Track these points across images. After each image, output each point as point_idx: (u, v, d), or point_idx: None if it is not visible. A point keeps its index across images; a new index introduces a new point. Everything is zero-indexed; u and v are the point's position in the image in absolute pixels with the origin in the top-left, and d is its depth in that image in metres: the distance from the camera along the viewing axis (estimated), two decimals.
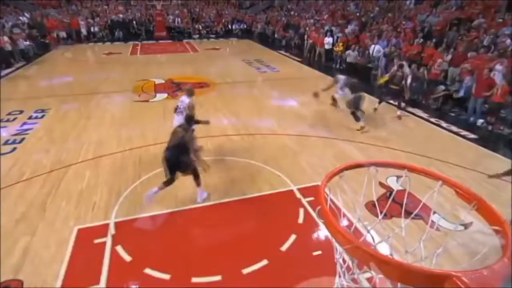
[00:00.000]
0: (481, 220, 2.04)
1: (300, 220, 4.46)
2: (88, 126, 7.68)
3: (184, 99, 5.77)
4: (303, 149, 6.56)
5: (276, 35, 20.37)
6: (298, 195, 5.00)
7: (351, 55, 10.87)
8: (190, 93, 5.82)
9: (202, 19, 24.71)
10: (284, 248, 3.95)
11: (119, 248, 3.89)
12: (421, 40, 10.92)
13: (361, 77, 10.92)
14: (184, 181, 4.86)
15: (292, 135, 7.19)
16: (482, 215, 2.08)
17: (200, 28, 23.92)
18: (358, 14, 17.49)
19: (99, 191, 5.06)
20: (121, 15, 22.96)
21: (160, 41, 21.69)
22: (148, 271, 3.59)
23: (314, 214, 4.50)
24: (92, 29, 21.28)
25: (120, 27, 21.88)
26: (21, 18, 18.73)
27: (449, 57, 9.25)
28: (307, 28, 17.48)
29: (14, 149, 6.49)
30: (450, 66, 9.13)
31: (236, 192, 5.05)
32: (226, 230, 4.29)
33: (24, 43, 15.49)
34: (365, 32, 13.92)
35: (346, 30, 15.15)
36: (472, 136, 7.25)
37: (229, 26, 24.34)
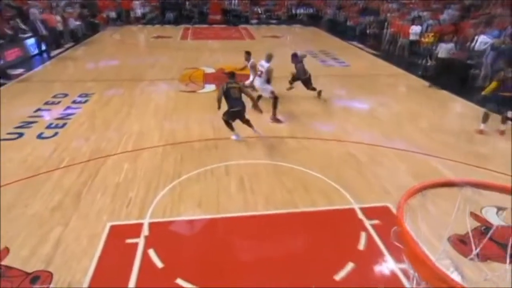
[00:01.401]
0: None
1: (361, 246, 4.25)
2: (131, 115, 8.24)
3: (264, 64, 7.77)
4: (371, 160, 6.29)
5: (348, 23, 19.93)
6: (360, 215, 4.78)
7: (444, 48, 10.11)
8: (270, 58, 8.07)
9: (262, 1, 25.13)
10: (338, 277, 3.79)
11: (151, 252, 4.08)
12: None
13: (456, 76, 10.18)
14: (228, 187, 4.97)
15: (359, 143, 6.95)
16: None
17: (260, 11, 24.40)
18: None
19: (136, 187, 5.37)
20: None
21: (214, 26, 22.57)
22: (180, 281, 3.70)
23: (379, 241, 4.29)
24: (142, 10, 22.83)
25: (171, 9, 23.21)
26: None
27: None
28: (389, 14, 16.84)
29: (56, 133, 7.21)
30: None
31: (286, 204, 5.02)
32: (270, 246, 4.25)
33: (74, 23, 17.20)
34: (468, 19, 12.92)
35: (441, 17, 14.24)
36: None
37: (293, 11, 24.45)
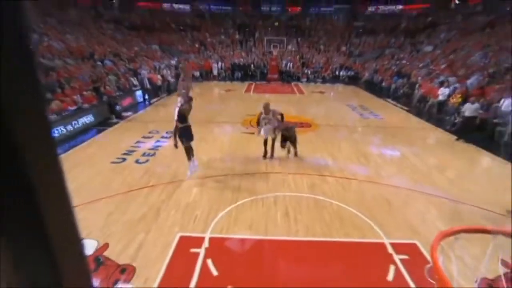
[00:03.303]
0: None
1: (389, 277, 3.96)
2: (202, 148, 8.60)
3: (268, 114, 7.50)
4: (402, 203, 5.91)
5: (383, 83, 19.57)
6: (390, 250, 4.48)
7: (470, 108, 9.52)
8: (267, 108, 7.62)
9: (311, 64, 25.74)
10: None
11: (209, 261, 4.16)
12: None
13: (482, 133, 9.48)
14: (275, 215, 4.97)
15: (392, 185, 6.61)
16: None
17: (309, 72, 24.91)
18: (484, 63, 15.43)
19: (201, 207, 5.58)
20: (242, 59, 25.87)
21: (272, 83, 23.38)
22: None
23: (406, 274, 3.96)
24: (217, 70, 24.53)
25: (239, 69, 24.64)
26: (171, 61, 23.03)
27: None
28: (419, 78, 16.30)
29: (147, 160, 7.82)
30: None
31: (323, 233, 4.87)
32: (307, 269, 4.13)
33: (171, 79, 19.17)
34: (494, 84, 12.12)
35: (468, 81, 13.48)
36: None
37: (337, 72, 24.63)
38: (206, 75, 24.05)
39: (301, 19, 31.88)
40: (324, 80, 24.30)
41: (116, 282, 3.83)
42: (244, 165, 7.50)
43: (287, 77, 24.33)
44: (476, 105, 9.68)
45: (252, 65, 25.19)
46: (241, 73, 24.46)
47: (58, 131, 9.49)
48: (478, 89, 12.19)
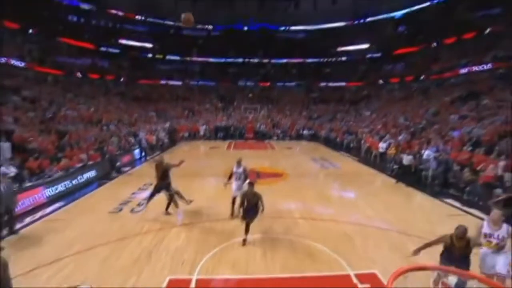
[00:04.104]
0: None
1: None
2: (190, 197, 8.36)
3: (239, 168, 6.95)
4: (360, 237, 5.94)
5: (337, 139, 20.66)
6: (355, 280, 4.40)
7: (407, 158, 10.24)
8: (240, 162, 7.06)
9: (280, 126, 26.91)
10: None
11: None
12: (470, 147, 9.86)
13: (415, 177, 10.06)
14: (254, 255, 4.81)
15: (350, 223, 6.67)
16: None
17: (279, 132, 25.87)
18: (408, 124, 16.98)
19: (189, 250, 5.29)
20: (223, 122, 26.64)
21: (249, 141, 23.95)
22: None
23: None
24: (204, 131, 24.96)
25: (222, 130, 25.19)
26: (165, 125, 23.27)
27: (502, 163, 8.01)
28: (364, 135, 17.47)
29: (141, 210, 7.44)
30: (506, 171, 7.83)
31: (297, 269, 4.71)
32: None
33: (165, 140, 19.27)
34: (415, 140, 13.24)
35: (399, 138, 14.62)
36: None
37: (301, 131, 25.75)
38: (194, 135, 24.33)
39: (270, 91, 34.18)
40: (291, 138, 25.19)
41: None
42: (227, 211, 7.31)
43: (261, 136, 25.06)
44: (411, 156, 10.38)
45: (232, 127, 25.91)
46: (223, 133, 24.98)
47: (65, 186, 9.08)
48: (406, 143, 13.20)
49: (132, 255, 5.08)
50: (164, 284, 4.21)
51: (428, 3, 26.07)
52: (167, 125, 23.34)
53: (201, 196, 8.72)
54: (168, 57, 34.31)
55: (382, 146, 14.00)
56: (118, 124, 18.73)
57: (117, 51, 30.92)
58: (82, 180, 10.02)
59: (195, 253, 5.16)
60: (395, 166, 11.16)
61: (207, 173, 11.96)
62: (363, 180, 11.07)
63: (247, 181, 6.75)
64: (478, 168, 8.38)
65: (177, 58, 34.62)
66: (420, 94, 23.43)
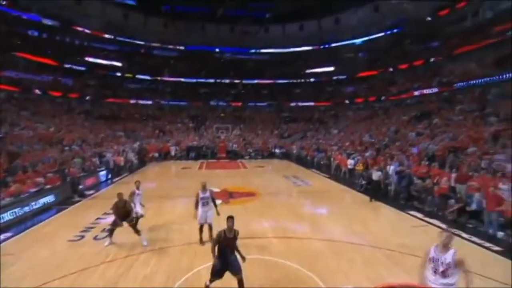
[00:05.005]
0: None
1: None
2: (159, 221, 8.03)
3: (205, 193, 6.51)
4: (333, 253, 6.02)
5: (308, 157, 21.22)
6: None
7: (376, 174, 10.77)
8: (205, 187, 6.62)
9: (252, 145, 27.13)
10: None
11: None
12: (427, 162, 10.80)
13: (383, 192, 10.58)
14: (230, 277, 4.65)
15: (323, 239, 6.75)
16: None
17: (251, 151, 26.00)
18: (373, 141, 18.13)
19: (159, 277, 4.99)
20: (195, 142, 26.25)
21: (221, 160, 23.71)
22: None
23: None
24: (175, 151, 24.31)
25: (193, 150, 24.71)
26: (134, 145, 22.32)
27: (454, 175, 8.86)
28: (332, 152, 18.23)
29: (106, 236, 6.86)
30: (456, 183, 8.63)
31: None
32: None
33: (134, 161, 18.36)
34: (380, 156, 14.13)
35: (366, 154, 15.47)
36: (496, 248, 6.18)
37: (272, 150, 26.14)
38: (165, 156, 23.57)
39: (242, 111, 34.69)
40: (263, 157, 25.41)
41: None
42: (198, 234, 7.05)
43: (233, 155, 24.97)
44: (380, 172, 10.92)
45: (204, 147, 25.58)
46: (194, 153, 24.51)
47: (14, 213, 8.13)
48: (372, 159, 14.02)
49: (96, 285, 4.64)
50: None
51: (382, 33, 29.09)
52: (136, 145, 22.41)
53: (172, 218, 8.37)
54: (138, 76, 33.71)
55: (350, 162, 14.68)
56: (82, 144, 17.60)
57: (83, 68, 29.72)
58: (37, 206, 9.09)
59: (166, 280, 4.86)
60: (363, 182, 11.70)
61: (178, 194, 11.52)
62: (334, 196, 11.39)
63: (217, 203, 6.60)
64: (435, 181, 9.12)
65: (148, 77, 34.15)
66: (382, 114, 25.35)
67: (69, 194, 10.90)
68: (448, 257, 3.21)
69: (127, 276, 5.01)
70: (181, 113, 33.00)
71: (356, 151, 16.70)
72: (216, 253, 4.22)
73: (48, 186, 10.25)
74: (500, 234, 6.74)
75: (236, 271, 4.20)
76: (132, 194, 7.64)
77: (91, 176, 13.50)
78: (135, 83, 33.74)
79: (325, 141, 24.03)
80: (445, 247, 3.30)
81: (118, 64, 31.74)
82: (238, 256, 4.39)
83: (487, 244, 6.37)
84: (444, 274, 3.19)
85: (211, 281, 4.15)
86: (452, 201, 8.26)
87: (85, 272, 5.14)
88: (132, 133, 26.48)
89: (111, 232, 6.47)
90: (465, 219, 7.77)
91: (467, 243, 6.48)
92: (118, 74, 32.56)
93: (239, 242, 4.48)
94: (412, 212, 8.79)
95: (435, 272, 3.26)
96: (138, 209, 7.41)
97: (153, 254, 5.94)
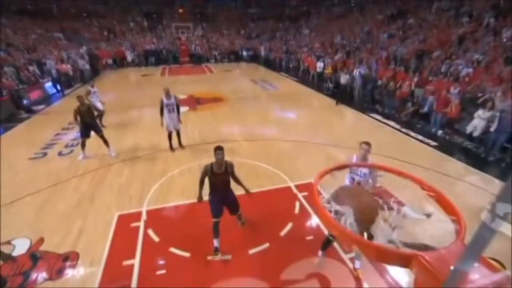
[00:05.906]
0: (441, 211, 2.03)
1: (296, 211, 4.45)
2: (127, 132, 7.79)
3: (169, 100, 6.22)
4: (299, 153, 6.50)
5: (277, 60, 20.38)
6: (295, 190, 4.97)
7: (344, 77, 10.72)
8: (168, 93, 6.24)
9: (217, 47, 24.89)
10: (282, 233, 3.96)
11: (150, 231, 3.97)
12: (394, 66, 10.87)
13: (348, 95, 10.81)
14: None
15: (289, 141, 7.16)
16: (441, 207, 2.07)
17: (216, 54, 24.10)
18: (344, 43, 17.42)
19: (134, 185, 5.15)
20: (153, 45, 23.28)
21: (184, 65, 21.93)
22: (172, 249, 3.65)
23: (308, 206, 4.49)
24: (131, 57, 21.63)
25: (152, 55, 22.20)
26: (81, 50, 19.12)
27: (416, 79, 9.16)
28: (302, 55, 17.49)
29: (72, 151, 6.69)
30: (416, 87, 9.04)
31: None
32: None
33: (86, 67, 16.04)
34: (350, 59, 13.87)
35: (336, 57, 15.06)
36: (434, 143, 7.13)
37: (240, 53, 24.46)
38: (121, 62, 20.99)
39: (203, 7, 29.92)
40: (230, 60, 23.93)
41: (60, 270, 3.34)
42: (168, 142, 7.01)
43: (197, 59, 23.08)
44: (348, 75, 10.85)
45: (163, 50, 22.93)
46: (154, 58, 22.09)
47: None
48: (341, 62, 13.77)
49: (71, 200, 4.71)
50: (114, 221, 4.14)
51: None
52: (82, 50, 19.27)
53: (139, 128, 8.13)
54: None
55: (319, 65, 14.37)
56: (8, 49, 14.56)
57: None
58: None
59: (142, 186, 5.06)
60: (331, 85, 11.80)
61: (142, 103, 10.87)
62: (301, 100, 11.58)
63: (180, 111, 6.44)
64: (397, 85, 9.41)
65: None
66: (357, 11, 23.44)
67: (12, 110, 9.70)
68: (365, 169, 3.24)
69: (102, 187, 5.09)
70: (132, 10, 27.65)
71: (327, 54, 16.13)
72: (207, 190, 3.70)
73: None
74: (439, 132, 7.65)
75: (233, 211, 3.92)
76: (88, 93, 7.50)
77: (35, 89, 11.89)
78: None
79: (295, 42, 22.62)
80: (364, 159, 3.37)
81: None
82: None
83: (428, 141, 7.27)
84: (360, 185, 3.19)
85: (215, 223, 3.60)
86: (409, 104, 8.83)
87: (58, 187, 5.11)
88: (74, 35, 22.36)
89: (82, 144, 6.18)
90: (416, 120, 8.55)
91: (412, 140, 7.35)
92: None
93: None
94: (372, 114, 9.38)
95: (352, 181, 3.38)
96: (99, 106, 7.56)
97: (124, 164, 5.96)
